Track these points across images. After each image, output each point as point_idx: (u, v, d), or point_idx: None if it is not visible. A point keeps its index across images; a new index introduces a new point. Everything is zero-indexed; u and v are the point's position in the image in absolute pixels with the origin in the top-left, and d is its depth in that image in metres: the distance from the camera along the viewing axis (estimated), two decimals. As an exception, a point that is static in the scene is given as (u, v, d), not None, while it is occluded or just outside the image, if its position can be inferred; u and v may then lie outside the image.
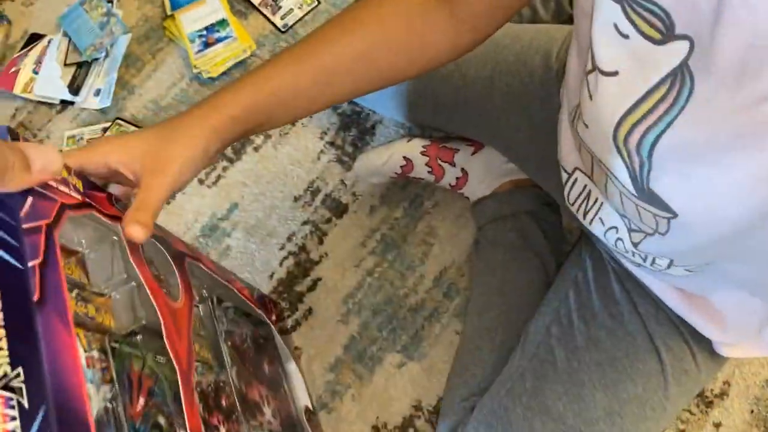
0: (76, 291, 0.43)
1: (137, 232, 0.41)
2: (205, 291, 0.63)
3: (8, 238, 0.33)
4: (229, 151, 1.00)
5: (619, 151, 0.46)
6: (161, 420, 0.43)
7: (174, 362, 0.45)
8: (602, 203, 0.57)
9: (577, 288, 0.69)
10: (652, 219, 0.49)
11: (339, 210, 0.94)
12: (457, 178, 0.85)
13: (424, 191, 0.93)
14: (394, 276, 0.90)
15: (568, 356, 0.65)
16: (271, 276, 0.92)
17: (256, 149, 0.99)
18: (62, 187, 0.40)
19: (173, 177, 0.45)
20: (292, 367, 0.77)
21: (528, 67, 0.70)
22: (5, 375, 0.31)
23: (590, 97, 0.46)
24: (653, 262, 0.57)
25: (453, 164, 0.85)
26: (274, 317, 0.78)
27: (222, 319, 0.63)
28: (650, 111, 0.40)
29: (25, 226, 0.34)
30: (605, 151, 0.48)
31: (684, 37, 0.35)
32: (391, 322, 0.87)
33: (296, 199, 0.95)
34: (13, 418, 0.30)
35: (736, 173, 0.38)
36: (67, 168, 0.42)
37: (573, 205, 0.62)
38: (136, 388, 0.42)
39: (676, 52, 0.36)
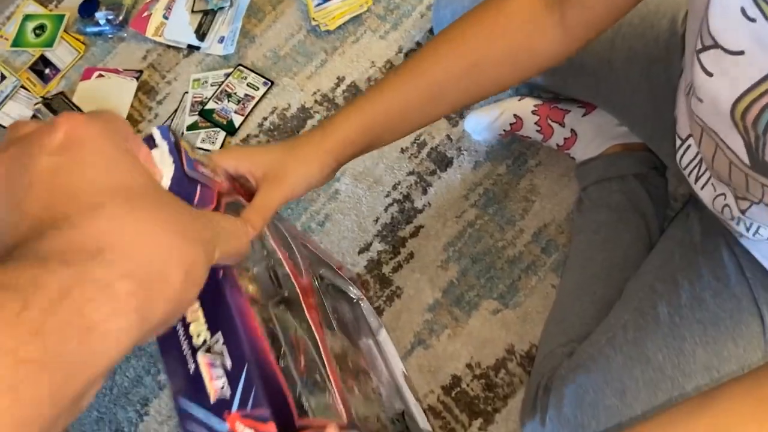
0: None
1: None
2: (312, 268, 0.69)
3: None
4: (341, 101, 1.06)
5: (735, 125, 0.48)
6: (317, 377, 0.47)
7: (313, 328, 0.50)
8: None
9: (684, 249, 0.72)
10: (760, 189, 0.52)
11: (444, 163, 0.99)
12: (565, 139, 0.88)
13: (528, 150, 0.97)
14: (494, 229, 0.94)
15: (670, 312, 0.68)
16: (376, 220, 0.98)
17: (366, 100, 1.04)
18: (216, 177, 0.45)
19: (288, 187, 0.51)
20: (382, 336, 0.82)
21: (654, 30, 0.71)
22: (205, 341, 0.36)
23: (707, 73, 0.48)
24: (757, 230, 0.59)
25: (563, 124, 0.87)
26: (363, 292, 0.84)
27: (327, 295, 0.69)
28: None
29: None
30: (720, 124, 0.50)
31: None
32: (489, 271, 0.92)
33: (403, 150, 1.00)
34: (219, 377, 0.35)
35: None
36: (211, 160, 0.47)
37: (685, 169, 0.65)
38: (296, 349, 0.46)
39: None
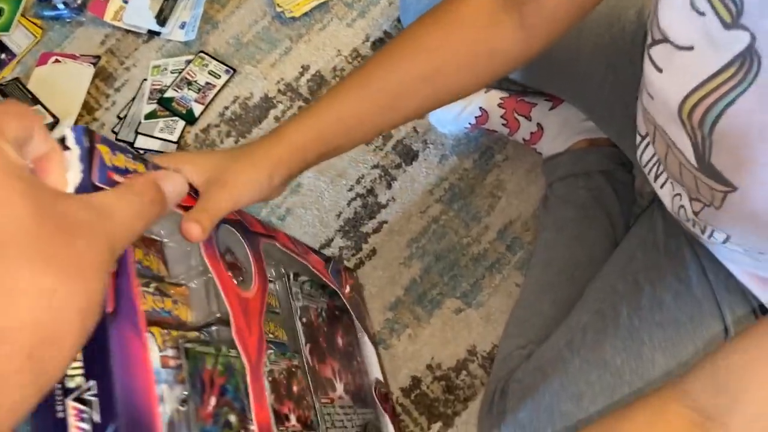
0: (154, 285, 0.44)
1: (194, 229, 0.42)
2: (282, 268, 0.64)
3: None
4: (305, 91, 1.02)
5: (683, 124, 0.47)
6: (232, 418, 0.44)
7: (243, 357, 0.46)
8: None
9: (646, 248, 0.69)
10: (709, 192, 0.50)
11: (409, 157, 0.96)
12: (531, 133, 0.85)
13: (495, 144, 0.94)
14: (458, 225, 0.91)
15: (630, 314, 0.65)
16: (339, 215, 0.95)
17: (331, 91, 1.01)
18: None
19: (234, 192, 0.47)
20: (365, 338, 0.78)
21: (621, 21, 0.68)
22: (78, 387, 0.31)
23: (658, 69, 0.46)
24: (711, 234, 0.57)
25: (529, 118, 0.84)
26: (348, 288, 0.79)
27: (298, 296, 0.65)
28: (716, 88, 0.41)
29: None
30: (669, 123, 0.49)
31: (745, 28, 0.36)
32: (453, 269, 0.89)
33: (367, 143, 0.97)
34: (82, 419, 0.31)
35: None
36: (145, 163, 0.43)
37: (645, 167, 0.62)
38: (208, 388, 0.43)
39: (743, 37, 0.37)
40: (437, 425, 0.83)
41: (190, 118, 1.03)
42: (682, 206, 0.58)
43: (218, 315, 0.48)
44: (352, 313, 0.76)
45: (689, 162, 0.50)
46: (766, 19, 0.36)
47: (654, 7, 0.44)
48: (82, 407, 0.31)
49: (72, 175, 0.35)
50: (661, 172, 0.60)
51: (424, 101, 0.54)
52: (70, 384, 0.32)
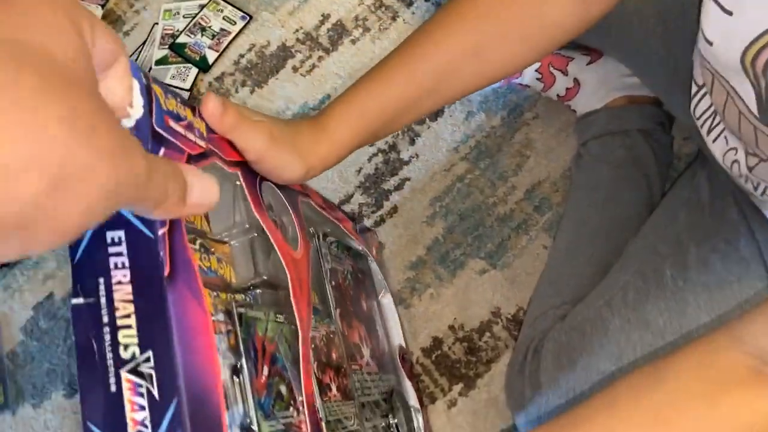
0: (199, 241, 0.40)
1: (214, 101, 0.39)
2: (312, 228, 0.60)
3: None
4: (325, 41, 0.98)
5: (746, 71, 0.45)
6: (282, 389, 0.40)
7: (298, 324, 0.42)
8: None
9: (690, 209, 0.67)
10: None
11: (434, 112, 0.92)
12: (567, 89, 0.82)
13: (525, 102, 0.90)
14: (484, 184, 0.88)
15: (674, 275, 0.63)
16: (359, 171, 0.91)
17: (353, 42, 0.96)
18: (189, 135, 0.36)
19: (269, 132, 0.43)
20: (387, 300, 0.75)
21: (676, -33, 0.65)
22: (133, 357, 0.28)
23: (727, 12, 0.43)
24: (764, 191, 0.55)
25: (565, 73, 0.81)
26: (374, 250, 0.76)
27: (327, 257, 0.61)
28: None
29: None
30: (731, 71, 0.46)
31: None
32: (477, 229, 0.86)
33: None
34: (142, 407, 0.28)
35: None
36: (192, 109, 0.38)
37: (699, 119, 0.60)
38: (260, 357, 0.39)
39: None
40: (458, 387, 0.81)
41: (203, 66, 0.98)
42: (736, 161, 0.56)
43: (265, 277, 0.45)
44: (374, 277, 0.73)
45: (750, 112, 0.47)
46: None
47: None
48: (138, 380, 0.28)
49: (135, 108, 0.31)
50: (716, 125, 0.58)
51: (470, 79, 0.51)
52: (125, 354, 0.28)
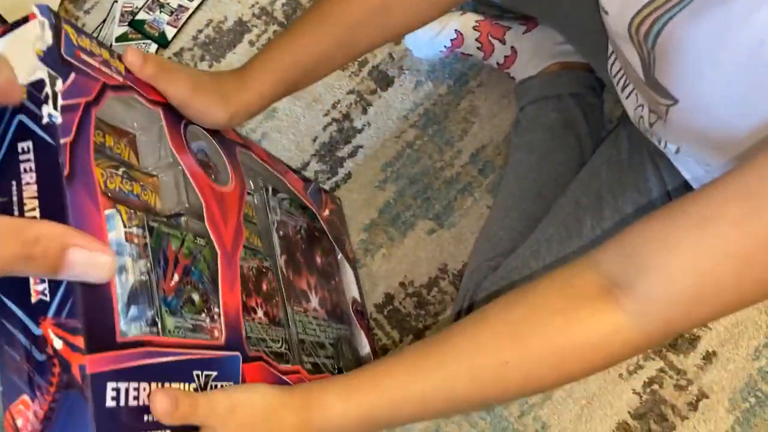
0: (122, 169, 0.45)
1: (133, 52, 0.44)
2: (260, 180, 0.65)
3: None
4: (280, 15, 1.01)
5: (632, 40, 0.50)
6: (195, 296, 0.45)
7: (215, 243, 0.48)
8: None
9: (611, 165, 0.72)
10: (656, 105, 0.54)
11: (385, 82, 0.96)
12: (505, 57, 0.86)
13: (470, 70, 0.95)
14: (432, 149, 0.93)
15: (593, 225, 0.69)
16: (314, 140, 0.96)
17: (307, 15, 1.00)
18: (105, 69, 0.41)
19: (191, 81, 0.48)
20: (340, 256, 0.80)
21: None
22: None
23: None
24: (665, 145, 0.60)
25: (503, 41, 0.85)
26: (327, 211, 0.81)
27: (276, 210, 0.66)
28: (662, 5, 0.44)
29: (63, 102, 0.36)
30: (621, 38, 0.52)
31: None
32: (426, 192, 0.91)
33: (344, 68, 0.97)
34: (42, 281, 0.33)
35: (724, 68, 0.43)
36: (110, 52, 0.43)
37: (614, 77, 0.65)
38: (171, 265, 0.44)
39: None
40: (408, 338, 0.87)
41: (162, 42, 1.01)
42: (642, 117, 0.61)
43: (187, 206, 0.50)
44: (329, 235, 0.78)
45: (639, 77, 0.52)
46: None
47: None
48: None
49: (41, 42, 0.36)
50: (628, 83, 0.63)
51: (379, 32, 0.56)
52: None
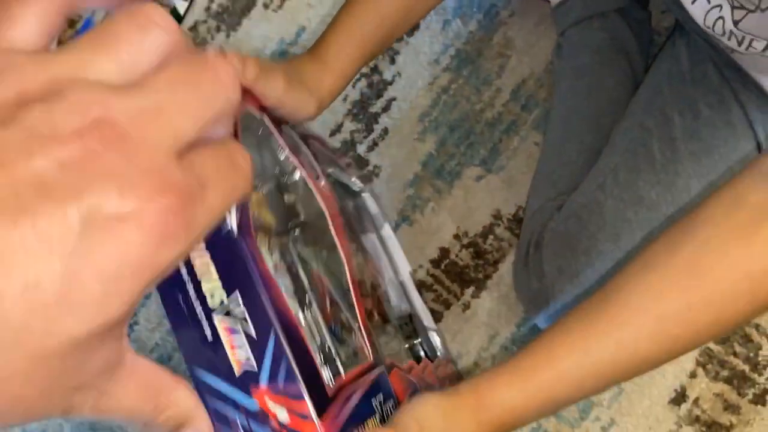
0: None
1: (233, 58, 0.41)
2: (321, 168, 0.60)
3: None
4: (290, -28, 0.96)
5: None
6: (342, 317, 0.41)
7: (342, 256, 0.43)
8: None
9: (672, 80, 0.67)
10: None
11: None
12: (538, -21, 0.80)
13: (498, 1, 0.89)
14: (469, 91, 0.88)
15: (662, 148, 0.64)
16: (345, 98, 0.91)
17: (318, -33, 0.94)
18: None
19: (285, 77, 0.45)
20: (387, 232, 0.74)
21: None
22: (222, 302, 0.29)
23: None
24: (749, 44, 0.54)
25: (535, -37, 0.79)
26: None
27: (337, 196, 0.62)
28: None
29: None
30: None
31: None
32: (468, 137, 0.87)
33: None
34: (240, 346, 0.29)
35: None
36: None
37: None
38: (319, 291, 0.40)
39: None
40: (470, 290, 0.84)
41: (176, 18, 0.97)
42: (720, 18, 0.54)
43: (303, 218, 0.45)
44: (370, 211, 0.74)
45: None
46: None
47: None
48: (232, 323, 0.30)
49: None
50: None
51: None
52: (212, 303, 0.30)
